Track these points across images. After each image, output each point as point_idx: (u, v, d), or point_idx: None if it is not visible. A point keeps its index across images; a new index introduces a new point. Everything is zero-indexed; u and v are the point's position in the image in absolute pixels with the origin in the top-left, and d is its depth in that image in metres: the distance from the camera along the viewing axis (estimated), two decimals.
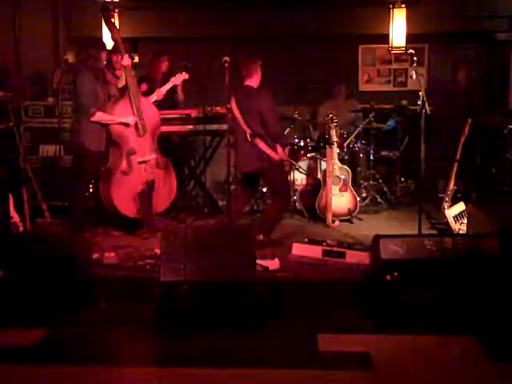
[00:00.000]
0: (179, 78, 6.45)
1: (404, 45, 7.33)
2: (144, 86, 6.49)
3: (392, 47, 7.44)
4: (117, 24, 7.06)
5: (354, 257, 5.05)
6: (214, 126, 6.73)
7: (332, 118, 6.47)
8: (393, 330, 3.94)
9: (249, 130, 5.61)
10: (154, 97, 6.22)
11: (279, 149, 5.72)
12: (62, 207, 6.28)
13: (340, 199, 6.59)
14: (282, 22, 8.06)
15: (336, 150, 6.57)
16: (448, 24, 8.05)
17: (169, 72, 6.78)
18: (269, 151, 5.64)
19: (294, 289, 4.63)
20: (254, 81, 5.70)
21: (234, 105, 5.66)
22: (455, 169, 6.21)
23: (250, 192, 6.07)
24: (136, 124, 5.80)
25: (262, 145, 5.62)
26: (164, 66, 6.86)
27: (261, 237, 5.52)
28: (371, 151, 7.33)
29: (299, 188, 6.91)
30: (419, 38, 7.80)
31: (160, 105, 6.34)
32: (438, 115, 6.46)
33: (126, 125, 5.76)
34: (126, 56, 5.78)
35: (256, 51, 5.90)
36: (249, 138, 5.59)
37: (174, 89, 6.65)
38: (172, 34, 8.13)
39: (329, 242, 5.39)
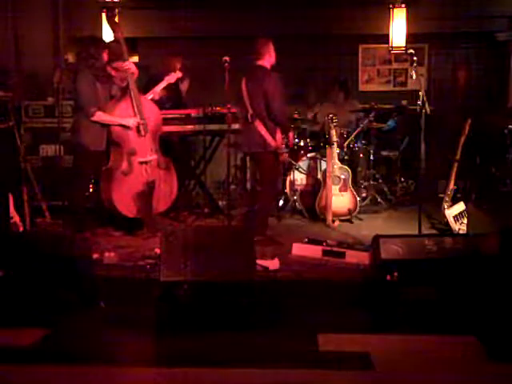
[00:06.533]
0: (173, 77, 6.43)
1: (404, 45, 7.34)
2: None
3: (392, 47, 7.45)
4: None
5: (353, 257, 5.05)
6: (214, 126, 6.73)
7: (332, 118, 6.47)
8: (393, 330, 3.93)
9: (251, 110, 5.58)
10: (150, 95, 6.22)
11: (278, 136, 5.69)
12: (62, 207, 6.28)
13: (340, 199, 6.59)
14: (282, 21, 8.05)
15: (336, 150, 6.58)
16: (448, 24, 8.05)
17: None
18: (267, 136, 5.61)
19: (294, 289, 4.63)
20: (266, 60, 5.65)
21: (243, 85, 5.63)
22: (455, 169, 6.21)
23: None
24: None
25: (260, 128, 5.58)
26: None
27: (260, 238, 5.51)
28: (371, 151, 7.32)
29: (299, 188, 6.91)
30: (419, 37, 7.81)
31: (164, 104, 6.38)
32: (437, 115, 6.47)
33: (126, 127, 5.76)
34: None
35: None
36: (249, 119, 5.56)
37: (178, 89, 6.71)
38: (172, 34, 8.13)
39: (329, 242, 5.39)
